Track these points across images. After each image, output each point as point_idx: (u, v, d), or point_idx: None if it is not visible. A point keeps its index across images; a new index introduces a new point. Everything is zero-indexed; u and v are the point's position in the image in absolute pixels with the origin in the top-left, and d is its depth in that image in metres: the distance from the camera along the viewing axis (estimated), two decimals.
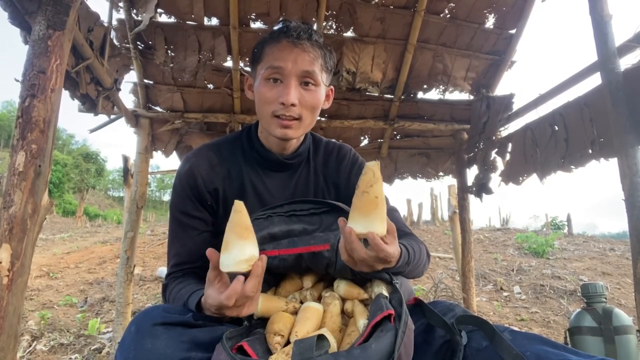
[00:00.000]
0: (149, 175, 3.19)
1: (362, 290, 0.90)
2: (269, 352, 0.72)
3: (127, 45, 2.67)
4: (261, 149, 1.07)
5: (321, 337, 0.68)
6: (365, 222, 0.74)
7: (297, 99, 0.96)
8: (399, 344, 0.66)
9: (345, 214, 0.96)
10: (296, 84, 0.96)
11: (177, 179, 1.05)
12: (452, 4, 2.79)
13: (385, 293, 0.84)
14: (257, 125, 1.09)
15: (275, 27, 1.01)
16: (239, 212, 0.76)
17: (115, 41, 2.60)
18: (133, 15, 2.56)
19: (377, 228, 0.74)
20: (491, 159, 3.06)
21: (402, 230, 1.09)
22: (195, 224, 1.03)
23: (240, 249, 0.73)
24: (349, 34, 2.89)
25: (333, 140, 1.21)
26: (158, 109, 3.10)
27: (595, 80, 2.16)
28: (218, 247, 1.02)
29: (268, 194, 1.07)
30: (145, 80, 2.93)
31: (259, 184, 1.07)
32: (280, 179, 1.09)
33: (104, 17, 2.35)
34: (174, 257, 1.03)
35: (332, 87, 1.10)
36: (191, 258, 1.01)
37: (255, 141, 1.08)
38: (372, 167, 0.74)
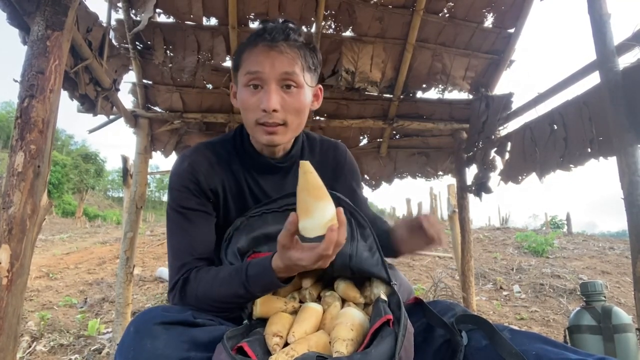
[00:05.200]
0: (148, 176, 3.18)
1: (358, 294, 0.90)
2: (269, 353, 0.72)
3: (126, 45, 2.67)
4: (253, 152, 1.05)
5: (321, 357, 0.68)
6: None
7: (279, 104, 0.92)
8: (399, 348, 0.66)
9: (340, 201, 0.96)
10: (276, 89, 0.93)
11: (176, 177, 0.99)
12: (450, 4, 2.79)
13: (384, 296, 0.84)
14: None
15: (253, 32, 0.98)
16: (310, 172, 0.72)
17: (114, 41, 2.60)
18: (132, 15, 2.55)
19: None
20: (490, 158, 3.06)
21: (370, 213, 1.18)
22: (203, 216, 0.99)
23: (322, 211, 0.71)
24: (348, 33, 2.89)
25: (328, 138, 1.20)
26: (157, 109, 3.10)
27: (594, 79, 2.16)
28: (219, 245, 1.01)
29: (264, 196, 1.06)
30: (144, 81, 2.93)
31: (255, 186, 1.06)
32: (275, 181, 1.08)
33: (103, 18, 2.35)
34: (186, 249, 0.95)
35: (320, 86, 1.07)
36: (205, 249, 0.96)
37: (247, 144, 1.05)
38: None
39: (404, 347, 0.67)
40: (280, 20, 0.98)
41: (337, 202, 0.96)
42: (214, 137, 1.12)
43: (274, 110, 0.92)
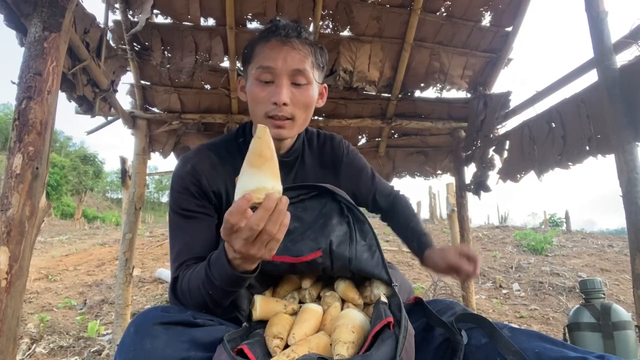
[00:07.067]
0: (147, 177, 3.18)
1: (357, 295, 0.90)
2: (269, 355, 0.72)
3: (124, 46, 2.66)
4: None
5: (322, 358, 0.68)
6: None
7: (289, 98, 0.95)
8: (399, 351, 0.66)
9: (335, 195, 0.97)
10: (287, 83, 0.95)
11: (178, 179, 0.99)
12: (448, 2, 2.79)
13: (384, 298, 0.84)
14: (252, 124, 1.08)
15: (265, 27, 1.00)
16: (258, 137, 0.69)
17: (111, 42, 2.59)
18: (129, 16, 2.55)
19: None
20: (489, 156, 3.06)
21: (389, 190, 1.28)
22: (203, 217, 0.98)
23: (249, 177, 0.67)
24: (346, 33, 2.89)
25: (324, 131, 1.22)
26: (155, 110, 3.09)
27: (591, 77, 2.17)
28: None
29: None
30: (142, 82, 2.92)
31: None
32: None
33: (100, 19, 2.35)
34: (183, 249, 0.95)
35: (325, 85, 1.09)
36: (203, 249, 0.95)
37: (251, 140, 1.06)
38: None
39: (405, 350, 0.67)
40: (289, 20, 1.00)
41: (332, 197, 0.97)
42: (214, 137, 1.12)
43: (284, 104, 0.94)
